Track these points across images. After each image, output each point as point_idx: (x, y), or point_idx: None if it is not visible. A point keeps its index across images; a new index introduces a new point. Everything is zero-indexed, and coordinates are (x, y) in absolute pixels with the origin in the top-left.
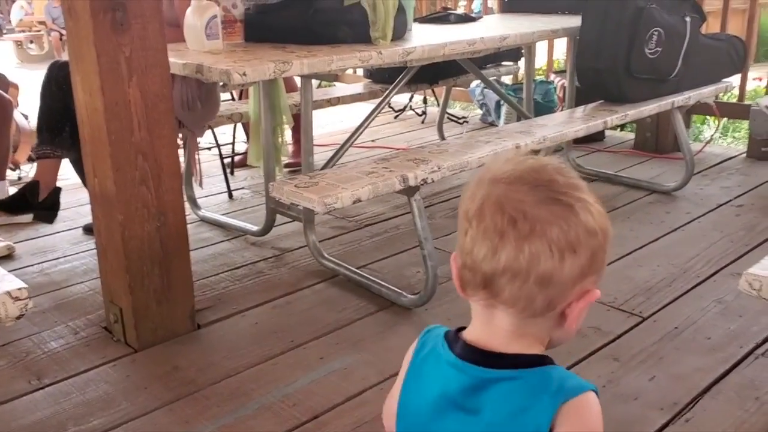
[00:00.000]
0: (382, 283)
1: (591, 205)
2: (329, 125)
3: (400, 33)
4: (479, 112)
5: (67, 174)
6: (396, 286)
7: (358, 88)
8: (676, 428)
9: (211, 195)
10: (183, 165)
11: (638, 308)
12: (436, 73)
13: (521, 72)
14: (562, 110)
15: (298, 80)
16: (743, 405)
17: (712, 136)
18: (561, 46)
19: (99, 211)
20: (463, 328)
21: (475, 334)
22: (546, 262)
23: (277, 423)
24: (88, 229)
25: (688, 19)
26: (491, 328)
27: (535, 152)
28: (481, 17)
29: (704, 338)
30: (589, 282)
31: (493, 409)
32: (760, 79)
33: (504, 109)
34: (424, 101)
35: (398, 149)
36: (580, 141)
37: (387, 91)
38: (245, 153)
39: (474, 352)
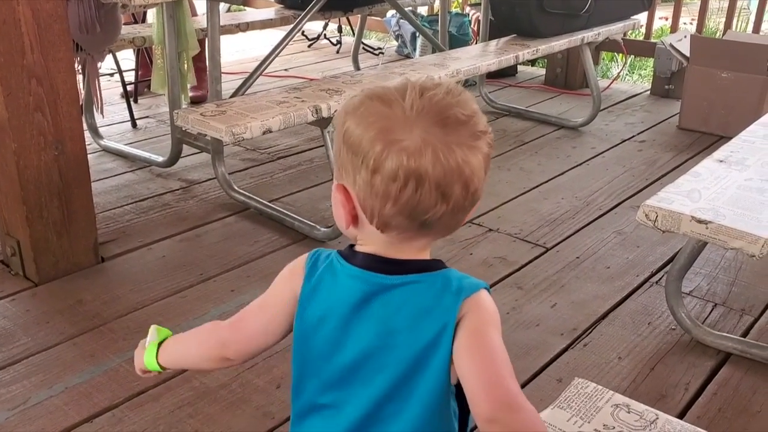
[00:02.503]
0: (295, 216)
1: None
2: (239, 52)
3: None
4: (395, 43)
5: None
6: (309, 220)
7: (269, 13)
8: (574, 353)
9: (113, 124)
10: (83, 91)
11: (542, 239)
12: (350, 0)
13: (437, 4)
14: (476, 43)
15: (200, 6)
16: (637, 330)
17: (618, 73)
18: None
19: None
20: (351, 246)
21: (372, 248)
22: (481, 189)
23: None
24: None
25: None
26: (395, 246)
27: None
28: None
29: (604, 267)
30: None
31: (398, 313)
32: (666, 19)
33: (419, 41)
34: (339, 30)
35: (311, 79)
36: (492, 76)
37: (299, 18)
38: (148, 80)
39: (376, 261)
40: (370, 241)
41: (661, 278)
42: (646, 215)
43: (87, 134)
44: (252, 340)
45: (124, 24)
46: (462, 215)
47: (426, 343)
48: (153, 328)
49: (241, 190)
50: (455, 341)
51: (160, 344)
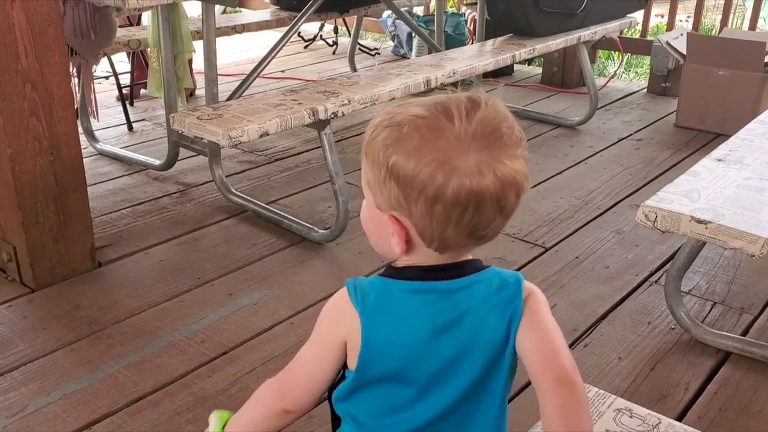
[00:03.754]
0: (293, 218)
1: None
2: (235, 54)
3: None
4: (391, 43)
5: None
6: (307, 222)
7: (265, 14)
8: (575, 353)
9: (109, 127)
10: (78, 95)
11: (541, 239)
12: (346, 1)
13: (433, 3)
14: (472, 43)
15: (195, 8)
16: (637, 329)
17: (615, 71)
18: None
19: None
20: (390, 266)
21: (423, 263)
22: (528, 187)
23: (184, 360)
24: None
25: None
26: (449, 257)
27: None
28: None
29: (603, 267)
30: None
31: (469, 315)
32: (662, 16)
33: (416, 41)
34: (335, 31)
35: (308, 81)
36: (489, 75)
37: (295, 20)
38: (144, 83)
39: (431, 270)
40: (422, 259)
41: (660, 277)
42: (645, 216)
43: (83, 138)
44: (306, 388)
45: (119, 27)
46: (510, 216)
47: (500, 337)
48: (213, 416)
49: (239, 193)
50: (521, 325)
51: (223, 428)
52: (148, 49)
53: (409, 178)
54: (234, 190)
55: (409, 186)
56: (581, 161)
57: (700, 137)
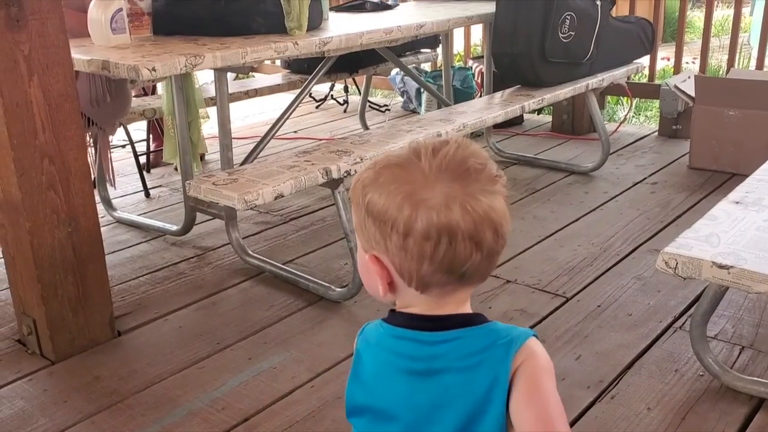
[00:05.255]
0: (310, 277)
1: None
2: (249, 117)
3: (315, 23)
4: (401, 99)
5: None
6: (324, 280)
7: (276, 79)
8: (602, 405)
9: (126, 195)
10: (95, 165)
11: (562, 289)
12: (355, 61)
13: (440, 59)
14: (480, 96)
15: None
16: (664, 378)
17: (625, 116)
18: (478, 31)
19: (5, 219)
20: (394, 310)
21: (413, 308)
22: (508, 226)
23: (206, 429)
24: None
25: (598, 3)
26: (435, 302)
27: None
28: (397, 5)
29: (626, 315)
30: None
31: (447, 370)
32: (668, 59)
33: (425, 96)
34: (345, 90)
35: (321, 140)
36: (499, 126)
37: (306, 82)
38: (160, 150)
39: (417, 319)
40: (410, 302)
41: (684, 323)
42: (665, 263)
43: (100, 207)
44: None
45: (134, 96)
46: (495, 259)
47: (478, 397)
48: None
49: (256, 255)
50: (512, 392)
51: None
52: (163, 117)
53: (381, 213)
54: (251, 252)
55: (382, 221)
56: (597, 207)
57: (715, 178)
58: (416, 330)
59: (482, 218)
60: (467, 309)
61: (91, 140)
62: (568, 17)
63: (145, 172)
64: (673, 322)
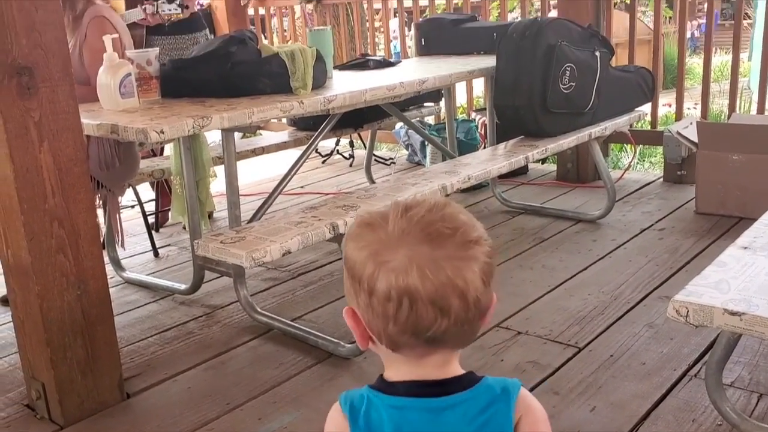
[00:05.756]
0: (319, 334)
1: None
2: (257, 174)
3: (320, 81)
4: (406, 152)
5: None
6: (333, 336)
7: (283, 136)
8: None
9: (135, 255)
10: (104, 225)
11: (574, 339)
12: (360, 117)
13: (443, 111)
14: (485, 147)
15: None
16: (681, 428)
17: (630, 163)
18: (480, 83)
19: (14, 283)
20: (381, 377)
21: (406, 375)
22: (484, 298)
23: None
24: (4, 301)
25: (597, 53)
26: (421, 366)
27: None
28: (399, 62)
29: (639, 364)
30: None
31: None
32: (669, 105)
33: (429, 148)
34: (351, 144)
35: (328, 194)
36: (504, 176)
37: (312, 139)
38: (168, 210)
39: (416, 386)
40: (394, 362)
41: (699, 371)
42: (676, 311)
43: (109, 268)
44: None
45: (142, 158)
46: (471, 326)
47: None
48: None
49: (264, 312)
50: None
51: None
52: (171, 176)
53: (352, 269)
54: (259, 309)
55: (353, 276)
56: (605, 255)
57: (722, 222)
58: (417, 397)
59: (444, 285)
60: (458, 369)
61: (101, 202)
62: (569, 69)
63: (153, 232)
64: (688, 370)
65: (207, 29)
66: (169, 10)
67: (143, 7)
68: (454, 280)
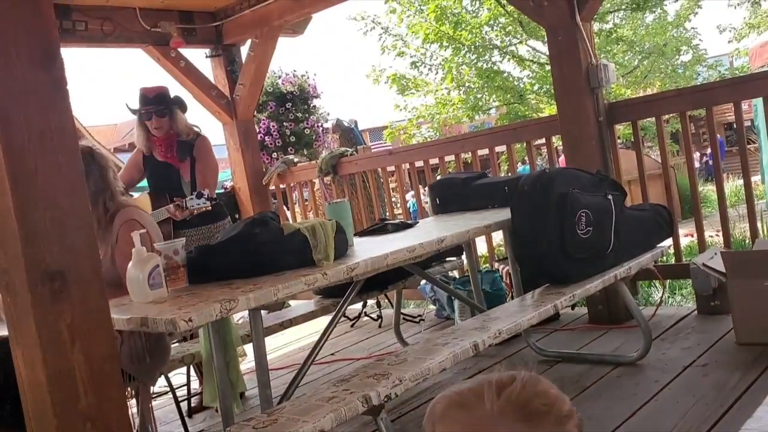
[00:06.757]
0: None
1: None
2: (286, 346)
3: (342, 251)
4: (433, 307)
5: None
6: None
7: (309, 305)
8: None
9: None
10: (136, 415)
11: None
12: (384, 279)
13: (465, 263)
14: (512, 296)
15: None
16: None
17: (660, 299)
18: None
19: None
20: None
21: None
22: None
23: None
24: None
25: (610, 197)
26: None
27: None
28: (417, 222)
29: None
30: None
31: None
32: (692, 235)
33: (456, 303)
34: (378, 305)
35: (359, 358)
36: (536, 324)
37: (339, 306)
38: (201, 394)
39: None
40: None
41: None
42: None
43: None
44: None
45: (173, 344)
46: None
47: None
48: None
49: None
50: None
51: None
52: (202, 360)
53: None
54: None
55: None
56: (651, 399)
57: (767, 352)
58: None
59: None
60: None
61: (132, 392)
62: (584, 214)
63: (186, 418)
64: None
65: (229, 217)
66: (198, 204)
67: (167, 207)
68: None
